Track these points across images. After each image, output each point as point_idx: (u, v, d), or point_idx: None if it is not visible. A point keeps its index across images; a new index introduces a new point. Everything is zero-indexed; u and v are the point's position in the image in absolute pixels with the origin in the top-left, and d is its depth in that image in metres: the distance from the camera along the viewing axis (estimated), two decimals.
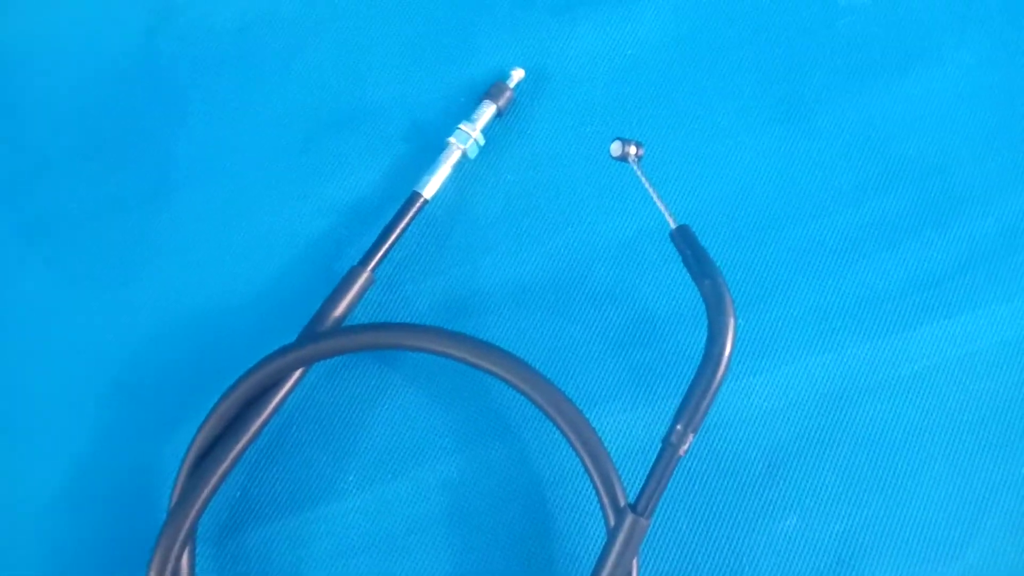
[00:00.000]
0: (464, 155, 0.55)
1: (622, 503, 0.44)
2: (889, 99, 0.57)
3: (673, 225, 0.44)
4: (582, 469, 0.46)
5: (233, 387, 0.48)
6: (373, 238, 0.52)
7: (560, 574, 0.48)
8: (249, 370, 0.48)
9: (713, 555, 0.49)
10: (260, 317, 0.53)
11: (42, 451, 0.52)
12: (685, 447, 0.41)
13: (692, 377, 0.41)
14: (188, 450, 0.47)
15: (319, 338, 0.49)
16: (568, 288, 0.54)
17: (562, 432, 0.46)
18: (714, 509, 0.49)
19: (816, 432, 0.51)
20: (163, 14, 0.62)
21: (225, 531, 0.50)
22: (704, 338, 0.41)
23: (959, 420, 0.51)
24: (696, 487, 0.50)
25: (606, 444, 0.46)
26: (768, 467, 0.50)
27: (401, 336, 0.48)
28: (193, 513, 0.45)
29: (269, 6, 0.62)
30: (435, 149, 0.55)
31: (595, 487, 0.45)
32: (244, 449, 0.48)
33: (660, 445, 0.42)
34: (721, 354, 0.41)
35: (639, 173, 0.45)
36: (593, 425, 0.46)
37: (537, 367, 0.47)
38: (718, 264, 0.42)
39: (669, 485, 0.42)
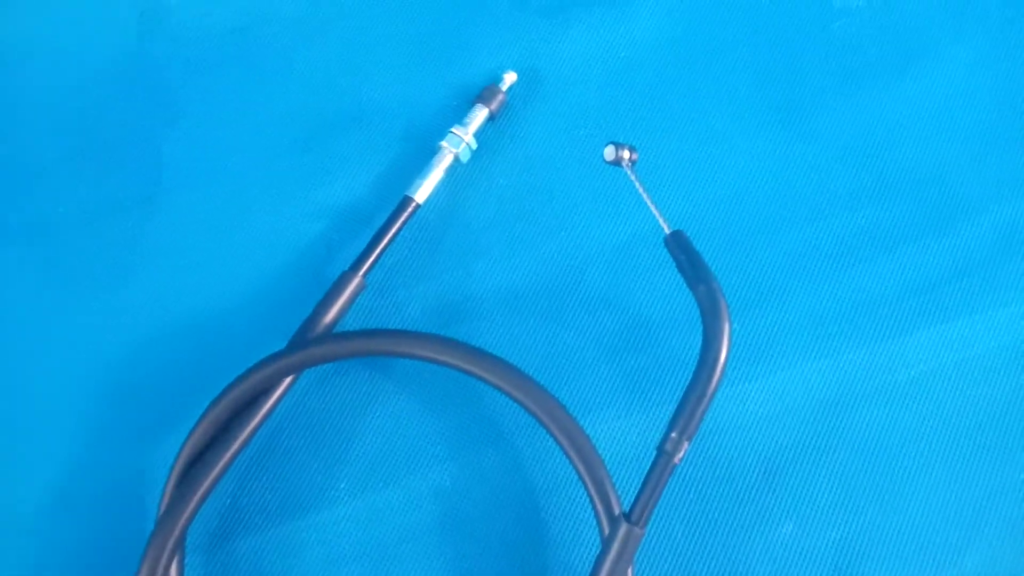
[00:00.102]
0: (456, 159, 0.54)
1: (616, 512, 0.44)
2: (885, 101, 0.57)
3: (667, 231, 0.44)
4: (576, 477, 0.45)
5: (223, 394, 0.47)
6: (364, 243, 0.52)
7: None
8: (239, 376, 0.48)
9: (709, 564, 0.48)
10: (250, 322, 0.53)
11: (29, 457, 0.51)
12: (680, 455, 0.41)
13: (687, 384, 0.41)
14: (177, 457, 0.47)
15: (310, 344, 0.48)
16: (561, 293, 0.53)
17: (556, 440, 0.46)
18: (709, 517, 0.49)
19: (812, 438, 0.50)
20: (156, 15, 0.62)
21: (215, 540, 0.49)
22: (699, 343, 0.41)
23: (956, 426, 0.50)
24: (691, 495, 0.49)
25: (600, 451, 0.46)
26: (764, 474, 0.50)
27: (393, 343, 0.48)
28: (182, 521, 0.45)
29: (261, 9, 0.61)
30: (427, 153, 0.55)
31: (589, 495, 0.45)
32: (234, 456, 0.47)
33: (655, 453, 0.41)
34: (716, 360, 0.41)
35: (633, 178, 0.45)
36: (587, 432, 0.46)
37: (530, 373, 0.47)
38: (712, 268, 0.42)
39: (664, 493, 0.42)
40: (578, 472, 0.45)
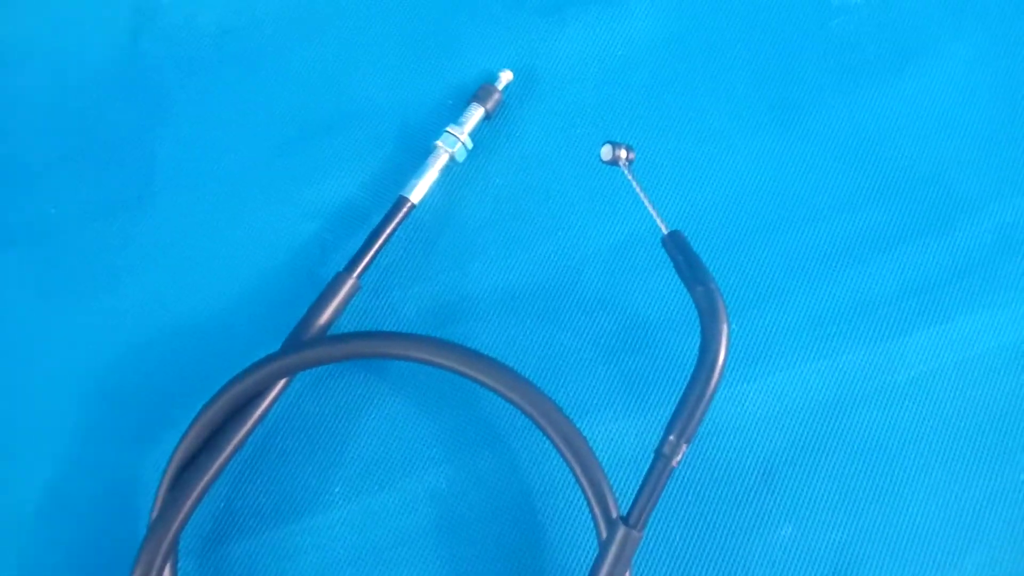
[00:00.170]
0: (452, 159, 0.54)
1: (614, 515, 0.43)
2: (884, 100, 0.57)
3: (665, 231, 0.44)
4: (573, 480, 0.45)
5: (216, 396, 0.47)
6: (359, 243, 0.51)
7: None
8: (232, 379, 0.47)
9: (707, 567, 0.48)
10: (243, 325, 0.52)
11: (20, 460, 0.51)
12: (678, 458, 0.41)
13: (685, 386, 0.41)
14: (170, 460, 0.46)
15: (304, 347, 0.48)
16: (558, 294, 0.53)
17: (552, 442, 0.45)
18: (708, 519, 0.49)
19: (811, 440, 0.50)
20: (147, 15, 0.61)
21: (208, 544, 0.49)
22: (697, 344, 0.41)
23: (956, 427, 0.50)
24: (689, 497, 0.49)
25: (597, 454, 0.45)
26: (762, 476, 0.49)
27: (388, 345, 0.48)
28: (175, 526, 0.45)
29: (255, 9, 0.61)
30: (422, 153, 0.55)
31: (586, 498, 0.44)
32: (227, 460, 0.47)
33: (653, 456, 0.41)
34: (715, 362, 0.40)
35: (630, 177, 0.45)
36: (584, 434, 0.46)
37: (527, 375, 0.47)
38: (710, 269, 0.42)
39: (661, 495, 0.42)
40: (575, 475, 0.45)
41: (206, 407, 0.47)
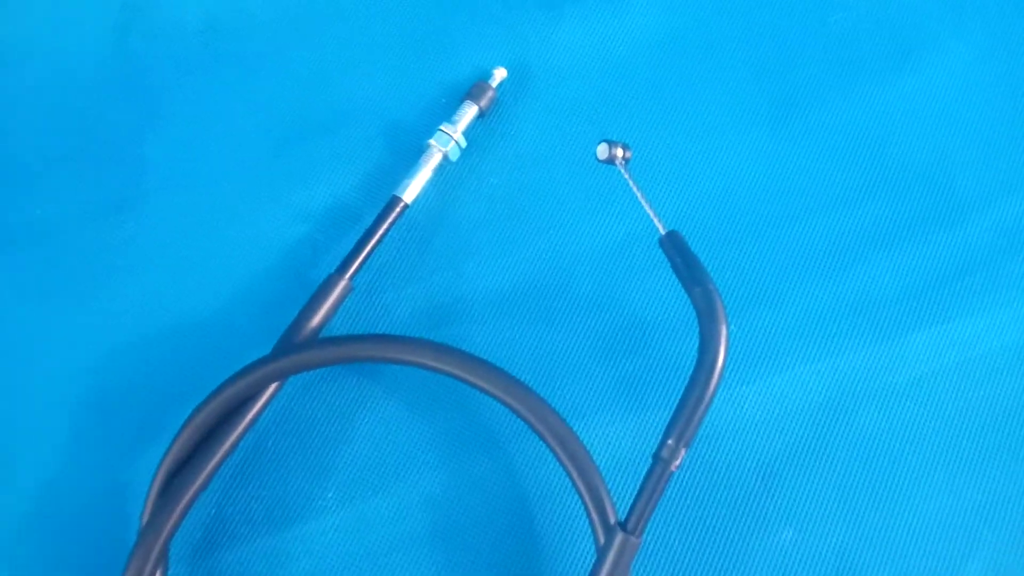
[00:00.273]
0: (445, 158, 0.54)
1: (612, 521, 0.43)
2: (884, 96, 0.57)
3: (662, 231, 0.43)
4: (570, 484, 0.45)
5: (206, 401, 0.47)
6: (351, 244, 0.51)
7: None
8: (222, 383, 0.47)
9: (707, 572, 0.48)
10: (234, 328, 0.52)
11: (7, 467, 0.50)
12: (677, 462, 0.40)
13: (683, 388, 0.40)
14: (159, 466, 0.46)
15: (295, 350, 0.47)
16: (554, 295, 0.53)
17: (549, 446, 0.45)
18: (707, 524, 0.48)
19: (811, 442, 0.50)
20: (134, 12, 0.61)
21: (199, 551, 0.48)
22: (695, 345, 0.40)
23: (958, 428, 0.50)
24: (688, 501, 0.49)
25: (595, 457, 0.45)
26: (762, 479, 0.49)
27: (380, 348, 0.47)
28: (165, 533, 0.44)
29: (245, 6, 0.60)
30: (415, 152, 0.54)
31: (584, 503, 0.44)
32: (218, 466, 0.46)
33: (651, 460, 0.41)
34: (713, 364, 0.40)
35: (627, 176, 0.44)
36: (581, 438, 0.45)
37: (522, 378, 0.46)
38: (708, 268, 0.42)
39: (660, 501, 0.41)
40: (572, 479, 0.45)
41: (196, 411, 0.47)
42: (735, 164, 0.55)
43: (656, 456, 0.40)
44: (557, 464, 0.45)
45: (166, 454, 0.46)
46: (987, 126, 0.56)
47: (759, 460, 0.49)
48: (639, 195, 0.44)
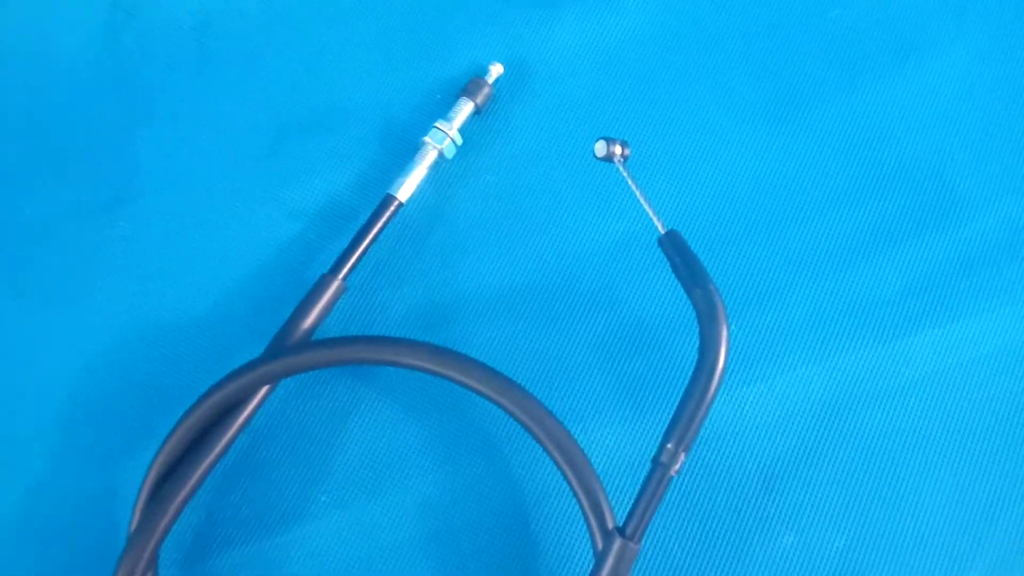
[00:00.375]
0: (441, 155, 0.53)
1: (610, 526, 0.43)
2: (885, 94, 0.56)
3: (662, 230, 0.43)
4: (568, 488, 0.44)
5: (197, 404, 0.46)
6: (345, 244, 0.50)
7: None
8: (213, 386, 0.46)
9: None
10: (225, 330, 0.52)
11: None
12: (676, 467, 0.40)
13: (683, 391, 0.40)
14: (149, 470, 0.46)
15: (288, 352, 0.47)
16: (551, 295, 0.52)
17: (546, 450, 0.45)
18: (707, 528, 0.48)
19: (813, 444, 0.49)
20: (125, 9, 0.60)
21: (189, 558, 0.48)
22: (696, 346, 0.40)
23: (962, 429, 0.50)
24: (688, 505, 0.48)
25: (593, 461, 0.45)
26: (763, 482, 0.49)
27: (374, 350, 0.47)
28: (155, 539, 0.44)
29: (238, 2, 0.60)
30: (410, 149, 0.54)
31: (582, 508, 0.44)
32: (209, 470, 0.46)
33: (650, 464, 0.40)
34: (714, 367, 0.40)
35: (625, 174, 0.44)
36: (579, 441, 0.45)
37: (519, 380, 0.46)
38: (708, 269, 0.42)
39: (659, 505, 0.41)
40: (570, 483, 0.44)
41: (187, 415, 0.46)
42: (735, 162, 0.55)
43: (655, 460, 0.40)
44: (554, 468, 0.45)
45: (156, 457, 0.46)
46: (988, 125, 0.55)
47: (759, 463, 0.49)
48: (638, 194, 0.43)
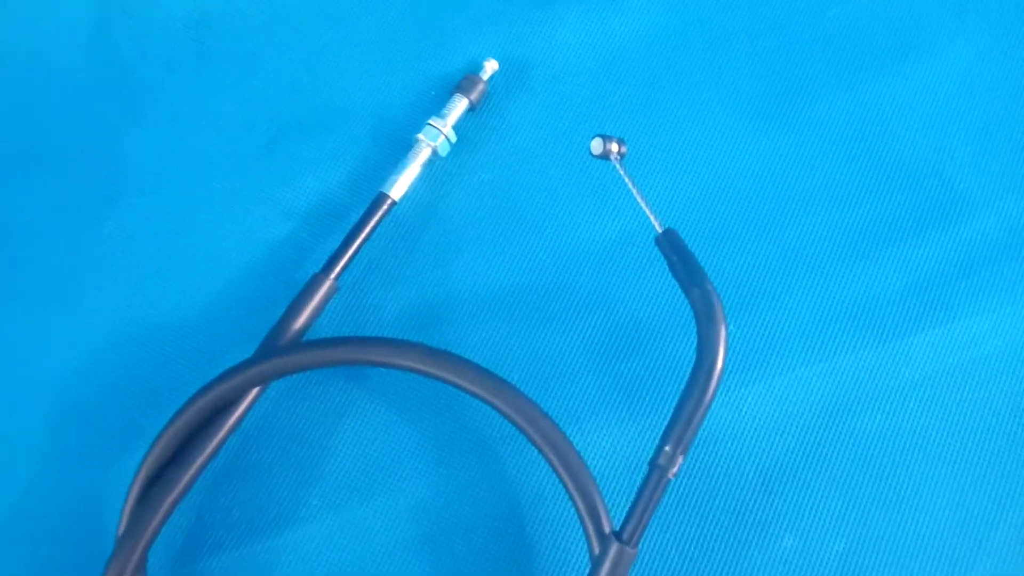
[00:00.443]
0: (435, 153, 0.53)
1: (607, 530, 0.42)
2: (886, 91, 0.56)
3: (659, 229, 0.43)
4: (563, 491, 0.44)
5: (186, 405, 0.46)
6: (337, 243, 0.50)
7: None
8: (203, 388, 0.46)
9: None
10: (215, 330, 0.51)
11: None
12: (674, 470, 0.40)
13: (681, 392, 0.40)
14: (137, 473, 0.45)
15: (279, 353, 0.47)
16: (547, 295, 0.52)
17: (541, 452, 0.44)
18: (706, 531, 0.48)
19: (813, 446, 0.49)
20: (115, 5, 0.60)
21: (178, 562, 0.48)
22: (693, 346, 0.40)
23: (964, 430, 0.49)
24: (686, 508, 0.48)
25: (589, 464, 0.44)
26: (762, 485, 0.48)
27: (367, 351, 0.46)
28: (143, 543, 0.44)
29: (227, 1, 0.60)
30: (403, 147, 0.53)
31: (578, 512, 0.43)
32: (198, 473, 0.46)
33: (647, 467, 0.40)
34: (712, 368, 0.40)
35: (622, 172, 0.44)
36: (575, 444, 0.44)
37: (514, 381, 0.46)
38: (706, 268, 0.42)
39: (657, 508, 0.41)
40: (565, 486, 0.44)
41: (176, 416, 0.46)
42: (733, 161, 0.55)
43: (653, 463, 0.40)
44: (550, 470, 0.44)
45: (144, 460, 0.45)
46: (989, 123, 0.55)
47: (758, 465, 0.49)
48: (635, 192, 0.43)
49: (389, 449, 0.49)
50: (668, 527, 0.48)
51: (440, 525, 0.48)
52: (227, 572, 0.47)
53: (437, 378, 0.46)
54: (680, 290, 0.41)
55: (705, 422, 0.40)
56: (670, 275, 0.42)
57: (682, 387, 0.40)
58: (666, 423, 0.40)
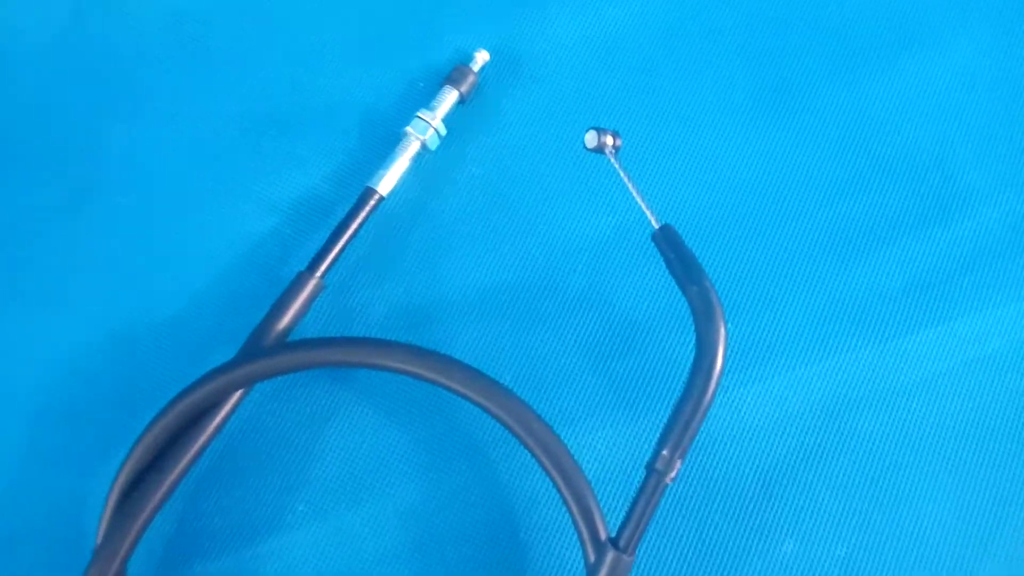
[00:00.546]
0: (423, 147, 0.52)
1: (603, 537, 0.42)
2: (886, 85, 0.56)
3: (655, 225, 0.42)
4: (557, 496, 0.43)
5: (166, 409, 0.45)
6: (323, 239, 0.50)
7: None
8: (184, 390, 0.45)
9: None
10: (196, 330, 0.51)
11: None
12: (672, 474, 0.40)
13: (679, 395, 0.40)
14: (115, 480, 0.44)
15: (262, 354, 0.46)
16: (540, 293, 0.51)
17: (534, 456, 0.44)
18: (704, 536, 0.47)
19: (813, 448, 0.49)
20: None
21: (159, 571, 0.47)
22: (691, 346, 0.40)
23: (967, 430, 0.49)
24: (683, 513, 0.48)
25: (584, 468, 0.44)
26: (762, 488, 0.48)
27: (353, 352, 0.46)
28: (122, 552, 0.43)
29: None
30: (391, 140, 0.53)
31: (572, 518, 0.43)
32: (179, 479, 0.45)
33: (644, 472, 0.40)
34: (711, 368, 0.40)
35: (617, 166, 0.44)
36: (569, 447, 0.44)
37: (506, 382, 0.45)
38: (703, 266, 0.41)
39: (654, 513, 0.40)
40: (559, 491, 0.43)
41: (155, 420, 0.45)
42: (731, 155, 0.54)
43: (650, 468, 0.40)
44: (543, 474, 0.44)
45: (123, 466, 0.44)
46: (991, 118, 0.55)
47: (758, 467, 0.48)
48: (630, 186, 0.43)
49: (377, 453, 0.49)
50: (665, 532, 0.47)
51: (430, 531, 0.47)
52: None
53: (426, 380, 0.45)
54: (677, 288, 0.41)
55: (703, 424, 0.40)
56: (667, 272, 0.42)
57: (680, 388, 0.40)
58: (663, 425, 0.40)
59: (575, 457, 0.44)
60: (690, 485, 0.48)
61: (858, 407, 0.49)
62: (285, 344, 0.47)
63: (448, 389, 0.45)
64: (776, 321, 0.51)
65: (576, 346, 0.50)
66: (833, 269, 0.52)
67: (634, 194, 0.43)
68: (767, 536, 0.47)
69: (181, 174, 0.54)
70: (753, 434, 0.49)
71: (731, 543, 0.47)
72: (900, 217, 0.53)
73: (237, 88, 0.56)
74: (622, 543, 0.40)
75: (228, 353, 0.47)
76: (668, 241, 0.42)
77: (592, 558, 0.41)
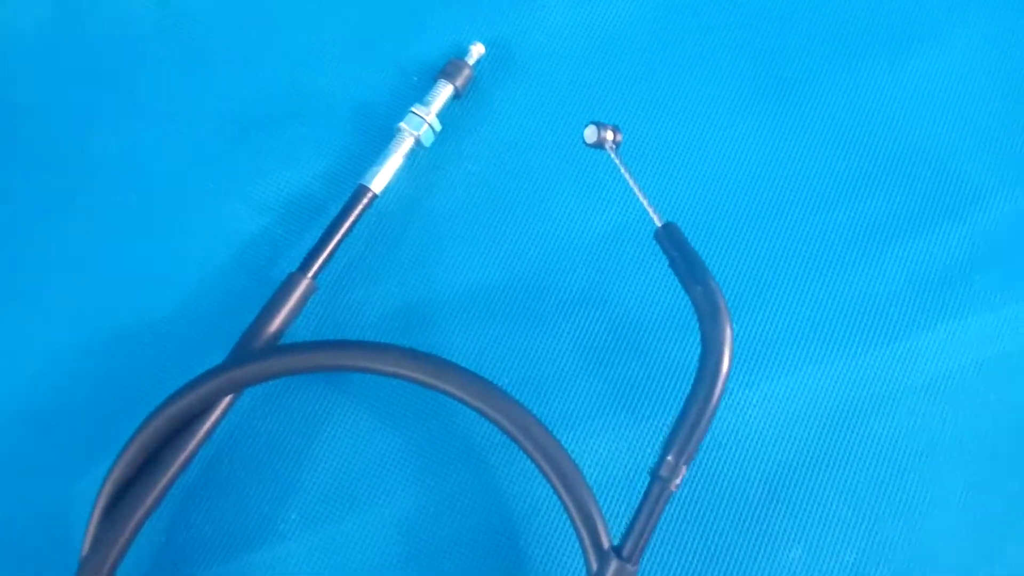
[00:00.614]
0: (418, 143, 0.52)
1: (605, 545, 0.41)
2: (888, 82, 0.56)
3: (658, 223, 0.42)
4: (559, 504, 0.43)
5: (153, 415, 0.45)
6: (315, 239, 0.49)
7: None
8: (172, 396, 0.45)
9: None
10: (185, 333, 0.50)
11: None
12: (677, 481, 0.39)
13: (684, 399, 0.39)
14: (101, 489, 0.44)
15: (253, 358, 0.46)
16: (538, 293, 0.51)
17: (534, 461, 0.43)
18: (710, 543, 0.46)
19: (820, 451, 0.48)
20: None
21: None
22: (696, 348, 0.39)
23: (976, 432, 0.48)
24: (688, 519, 0.47)
25: (586, 474, 0.43)
26: (768, 493, 0.47)
27: (346, 356, 0.45)
28: (109, 562, 0.43)
29: None
30: (385, 136, 0.52)
31: (574, 525, 0.42)
32: (168, 487, 0.44)
33: (648, 478, 0.39)
34: (717, 370, 0.39)
35: (617, 162, 0.43)
36: (570, 452, 0.43)
37: (504, 386, 0.45)
38: (708, 264, 0.41)
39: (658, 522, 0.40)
40: (560, 498, 0.43)
41: (142, 427, 0.44)
42: (734, 152, 0.54)
43: (654, 474, 0.39)
44: (543, 481, 0.43)
45: (109, 474, 0.44)
46: (995, 112, 0.55)
47: (764, 472, 0.48)
48: (632, 183, 0.42)
49: (372, 459, 0.48)
50: (669, 539, 0.47)
51: (427, 540, 0.47)
52: None
53: (422, 383, 0.45)
54: (681, 287, 0.40)
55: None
56: (669, 271, 0.41)
57: (684, 390, 0.39)
58: (668, 430, 0.39)
59: (576, 462, 0.43)
60: (695, 490, 0.47)
61: (866, 409, 0.49)
62: (276, 347, 0.47)
63: (444, 393, 0.45)
64: (780, 321, 0.51)
65: (576, 347, 0.50)
66: (838, 268, 0.52)
67: (636, 191, 0.42)
68: (774, 542, 0.47)
69: (168, 172, 0.54)
70: (758, 437, 0.48)
71: (737, 550, 0.46)
72: (905, 215, 0.53)
73: (225, 84, 0.56)
74: (626, 552, 0.39)
75: (218, 356, 0.47)
76: (671, 239, 0.41)
77: (595, 567, 0.41)
